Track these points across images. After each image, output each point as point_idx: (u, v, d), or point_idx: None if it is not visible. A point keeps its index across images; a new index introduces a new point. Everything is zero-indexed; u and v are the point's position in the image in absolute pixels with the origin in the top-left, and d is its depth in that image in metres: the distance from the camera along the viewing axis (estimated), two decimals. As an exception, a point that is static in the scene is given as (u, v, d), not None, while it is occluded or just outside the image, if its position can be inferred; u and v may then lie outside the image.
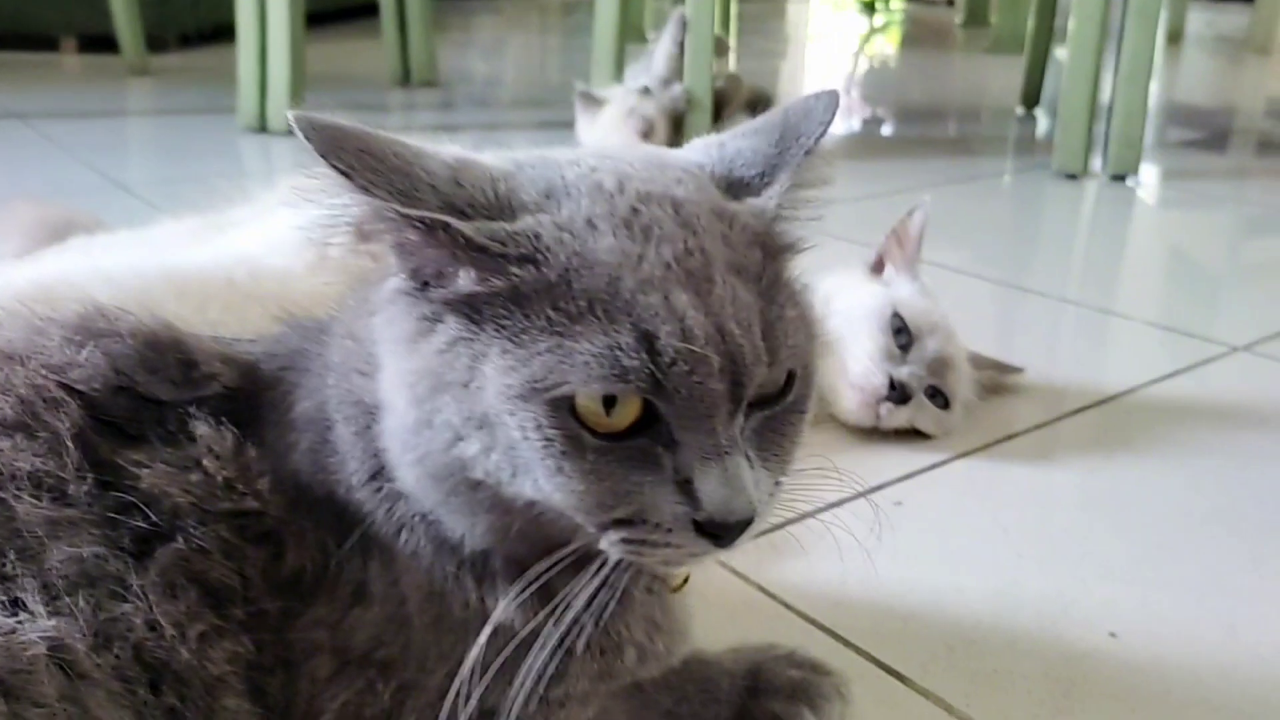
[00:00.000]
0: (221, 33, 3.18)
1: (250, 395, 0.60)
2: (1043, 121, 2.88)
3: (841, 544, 0.88)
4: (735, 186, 0.55)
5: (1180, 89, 3.82)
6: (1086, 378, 1.24)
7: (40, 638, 0.48)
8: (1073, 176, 2.18)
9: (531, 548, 0.54)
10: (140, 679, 0.50)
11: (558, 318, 0.48)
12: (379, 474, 0.56)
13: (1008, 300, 1.56)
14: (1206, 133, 3.00)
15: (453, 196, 0.49)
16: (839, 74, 4.05)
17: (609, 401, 0.48)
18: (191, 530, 0.53)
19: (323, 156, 0.48)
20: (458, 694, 0.56)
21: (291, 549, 0.56)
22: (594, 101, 2.20)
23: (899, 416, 1.04)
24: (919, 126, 3.02)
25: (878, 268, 1.15)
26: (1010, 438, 1.09)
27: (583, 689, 0.59)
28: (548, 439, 0.48)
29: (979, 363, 1.14)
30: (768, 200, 0.54)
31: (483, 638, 0.54)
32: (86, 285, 1.04)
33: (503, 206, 0.50)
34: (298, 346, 0.63)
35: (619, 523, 0.50)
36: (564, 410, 0.48)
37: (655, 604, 0.61)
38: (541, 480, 0.49)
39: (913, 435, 1.07)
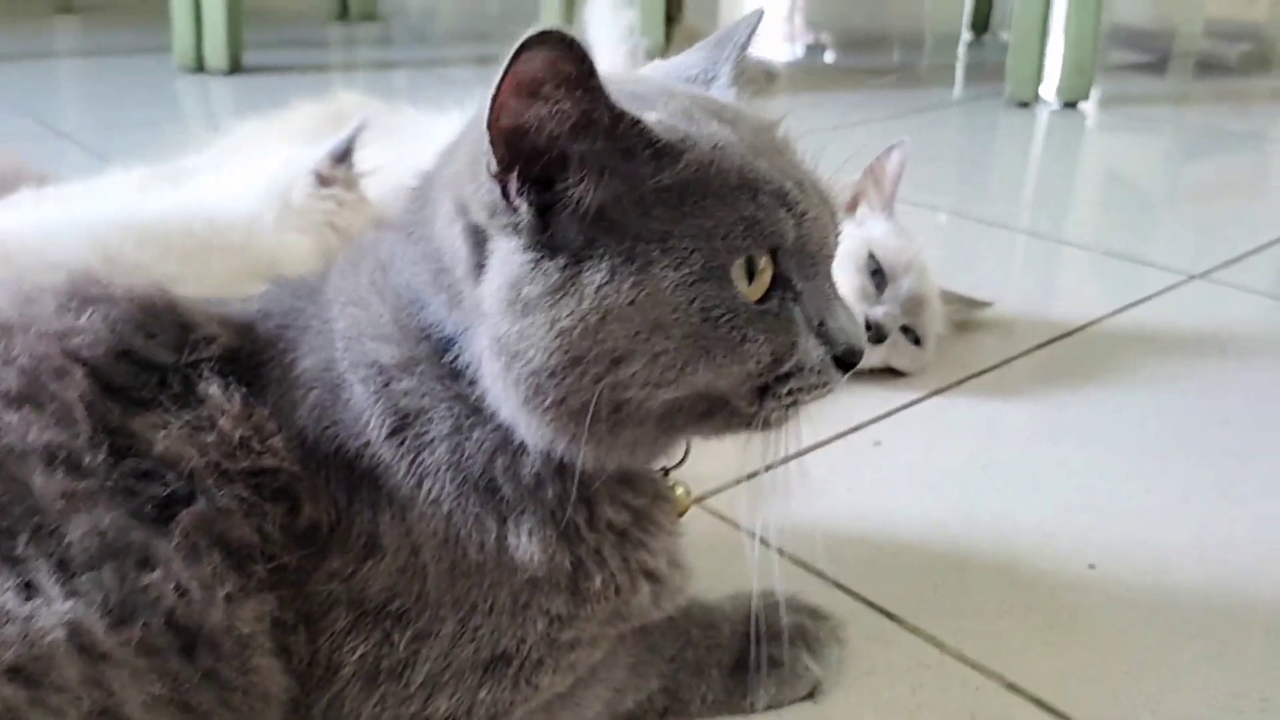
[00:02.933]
0: (148, -35, 3.06)
1: (250, 355, 0.60)
2: (992, 48, 2.88)
3: (826, 486, 0.91)
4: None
5: (1122, 10, 3.84)
6: (1050, 310, 1.27)
7: (57, 622, 0.48)
8: (1025, 104, 2.19)
9: (647, 456, 0.60)
10: (173, 645, 0.50)
11: (705, 198, 0.51)
12: (403, 428, 0.56)
13: (967, 233, 1.57)
14: (1148, 55, 3.03)
15: None
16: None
17: (750, 270, 0.52)
18: (211, 491, 0.53)
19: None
20: (471, 639, 0.57)
21: (307, 503, 0.56)
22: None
23: (875, 356, 1.06)
24: (865, 55, 3.00)
25: (850, 207, 1.15)
26: (982, 373, 1.11)
27: (592, 632, 0.60)
28: (729, 310, 0.51)
29: (947, 299, 1.16)
30: (727, 91, 0.61)
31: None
32: (41, 240, 1.01)
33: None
34: (292, 305, 0.62)
35: (781, 378, 0.54)
36: (727, 282, 0.51)
37: (674, 536, 0.63)
38: (721, 357, 0.52)
39: (887, 373, 1.09)
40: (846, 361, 0.56)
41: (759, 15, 0.64)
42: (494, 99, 0.49)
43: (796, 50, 3.13)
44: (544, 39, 0.47)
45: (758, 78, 2.36)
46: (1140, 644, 0.73)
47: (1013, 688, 0.69)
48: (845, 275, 1.06)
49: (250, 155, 1.27)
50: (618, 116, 0.50)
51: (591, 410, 0.52)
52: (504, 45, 0.47)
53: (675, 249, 0.51)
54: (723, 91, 0.62)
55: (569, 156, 0.50)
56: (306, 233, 1.13)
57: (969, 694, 0.69)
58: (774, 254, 0.54)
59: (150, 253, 1.02)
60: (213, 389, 0.56)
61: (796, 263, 0.54)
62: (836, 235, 0.58)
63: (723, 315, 0.52)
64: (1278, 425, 1.02)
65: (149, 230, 1.03)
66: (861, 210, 1.14)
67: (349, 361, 0.58)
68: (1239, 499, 0.90)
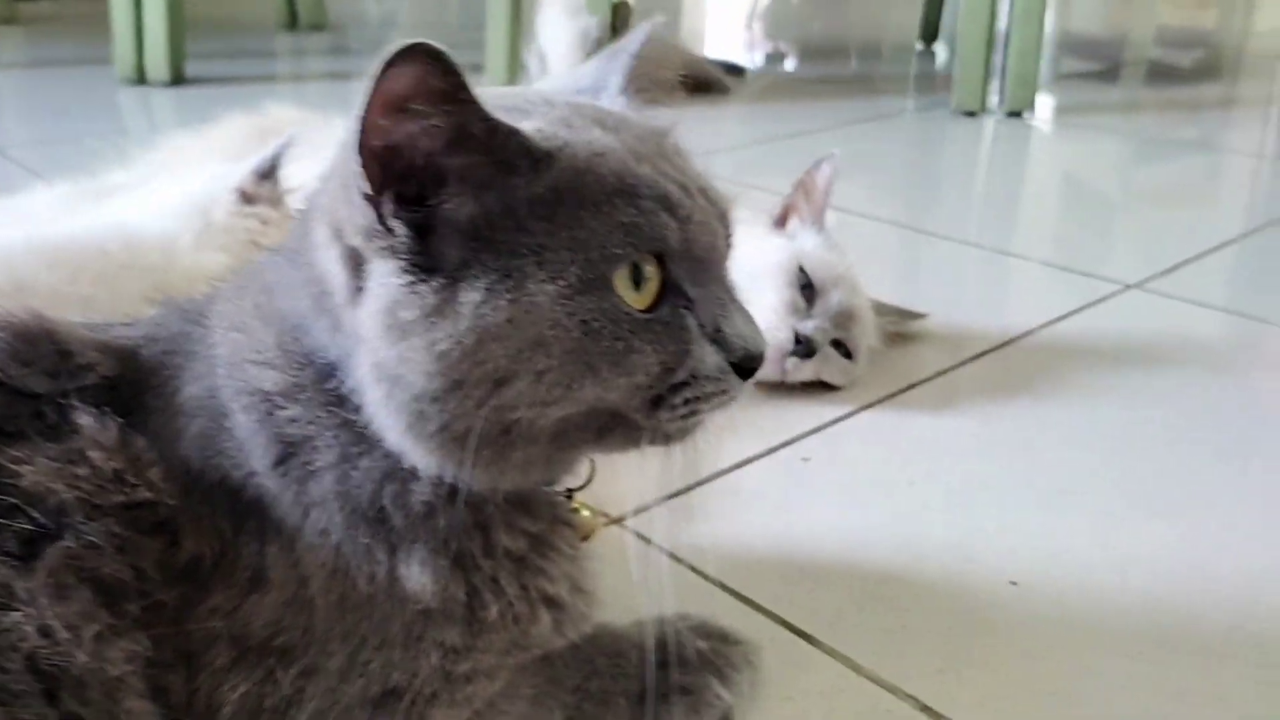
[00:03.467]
0: (94, -24, 3.01)
1: (132, 383, 0.58)
2: (941, 57, 2.90)
3: (751, 504, 0.90)
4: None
5: (1075, 18, 3.88)
6: (986, 321, 1.26)
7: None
8: (971, 114, 2.20)
9: (543, 476, 0.58)
10: (34, 690, 0.48)
11: (580, 206, 0.50)
12: (288, 458, 0.54)
13: (910, 243, 1.57)
14: (1101, 63, 3.06)
15: None
16: (741, 7, 4.02)
17: (637, 279, 0.51)
18: (80, 527, 0.51)
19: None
20: (360, 675, 0.55)
21: (188, 537, 0.54)
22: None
23: (805, 370, 1.05)
24: (821, 64, 3.01)
25: (781, 220, 1.14)
26: (913, 386, 1.10)
27: (490, 664, 0.59)
28: (612, 321, 0.50)
29: (882, 310, 1.15)
30: (617, 100, 0.60)
31: None
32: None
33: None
34: (179, 329, 0.61)
35: (675, 388, 0.53)
36: (611, 293, 0.50)
37: (576, 561, 0.62)
38: (607, 370, 0.50)
39: (819, 386, 1.08)
40: (746, 367, 0.55)
41: (654, 25, 0.63)
42: (362, 120, 0.47)
43: (756, 59, 3.13)
44: (409, 54, 0.46)
45: (722, 79, 2.38)
46: (1061, 664, 0.72)
47: (927, 710, 0.68)
48: (775, 289, 1.05)
49: (175, 171, 1.25)
50: (492, 127, 0.49)
51: (478, 434, 0.51)
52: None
53: (551, 262, 0.50)
54: (611, 100, 0.61)
55: (444, 172, 0.49)
56: (229, 251, 1.10)
57: (881, 718, 0.68)
58: (661, 261, 0.52)
59: (62, 275, 1.00)
60: (86, 420, 0.54)
61: (686, 269, 0.53)
62: (728, 239, 0.57)
63: (604, 326, 0.50)
64: (1204, 439, 1.01)
65: (61, 252, 1.01)
66: (792, 223, 1.13)
67: (231, 389, 0.56)
68: (1164, 515, 0.89)
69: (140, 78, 2.33)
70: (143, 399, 0.57)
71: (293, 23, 3.04)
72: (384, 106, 0.47)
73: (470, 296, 0.49)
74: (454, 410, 0.50)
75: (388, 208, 0.49)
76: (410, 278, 0.50)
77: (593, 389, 0.51)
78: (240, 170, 1.15)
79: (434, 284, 0.49)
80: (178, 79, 2.34)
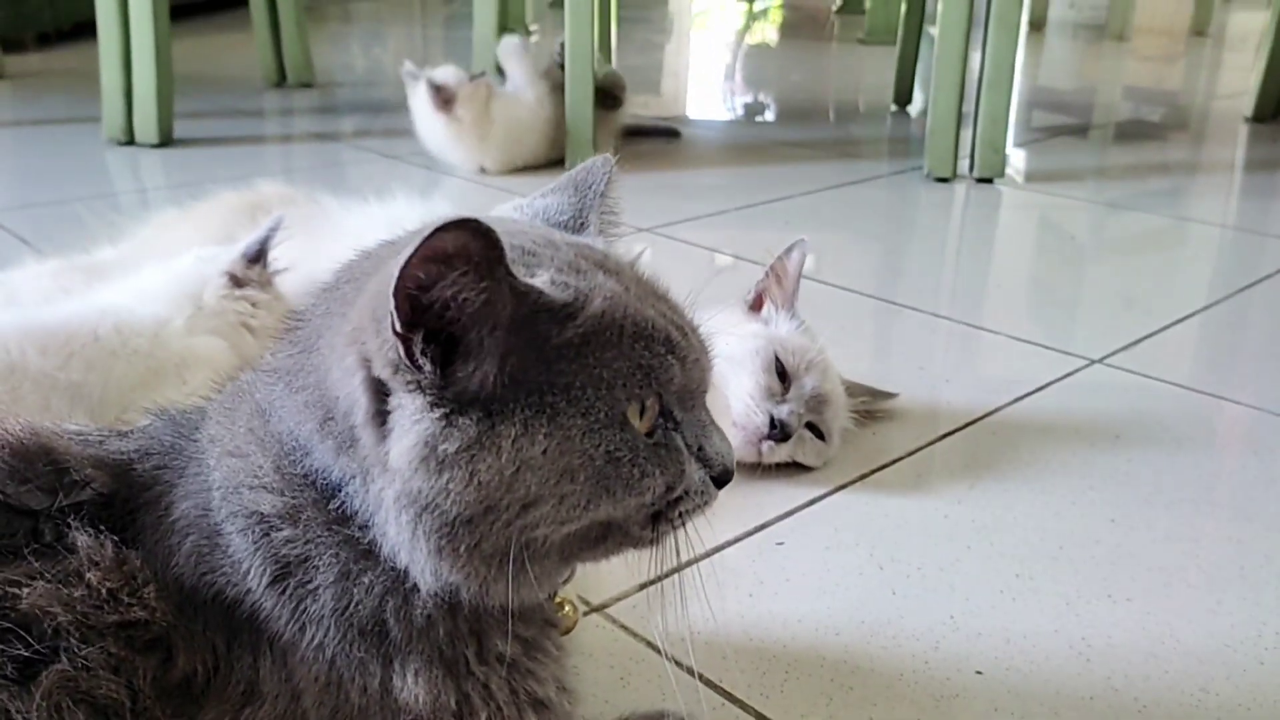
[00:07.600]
0: (83, 30, 3.05)
1: (126, 499, 0.59)
2: (915, 119, 2.96)
3: (727, 589, 0.92)
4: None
5: (1045, 75, 3.97)
6: (955, 397, 1.30)
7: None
8: (944, 180, 2.26)
9: (550, 587, 0.62)
10: None
11: (603, 349, 0.55)
12: (284, 577, 0.56)
13: (881, 315, 1.61)
14: (1070, 117, 3.13)
15: None
16: (720, 63, 4.09)
17: (640, 408, 0.56)
18: (76, 648, 0.53)
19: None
20: None
21: (182, 653, 0.56)
22: (413, 78, 2.26)
23: (780, 453, 1.08)
24: (797, 126, 3.06)
25: (756, 305, 1.18)
26: (883, 467, 1.14)
27: None
28: (630, 449, 0.55)
29: (854, 390, 1.19)
30: (600, 238, 0.65)
31: None
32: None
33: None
34: (171, 443, 0.62)
35: (672, 504, 0.58)
36: (627, 424, 0.55)
37: (561, 660, 0.64)
38: (622, 492, 0.55)
39: (794, 466, 1.11)
40: (723, 480, 0.61)
41: (609, 161, 0.68)
42: (404, 265, 0.49)
43: (736, 109, 3.19)
44: (462, 225, 0.49)
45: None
46: (1020, 754, 0.75)
47: (894, 804, 0.71)
48: (752, 374, 1.09)
49: (164, 250, 1.28)
50: (521, 294, 0.52)
51: (502, 554, 0.54)
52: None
53: (579, 399, 0.54)
54: (593, 239, 0.64)
55: (471, 329, 0.52)
56: (221, 334, 1.13)
57: (851, 812, 0.70)
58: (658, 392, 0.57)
59: (53, 360, 1.02)
60: (83, 538, 0.56)
61: (678, 398, 0.58)
62: (710, 372, 0.62)
63: (624, 455, 0.55)
64: (1161, 521, 1.05)
65: (52, 336, 1.03)
66: (767, 308, 1.17)
67: (226, 511, 0.58)
68: (1121, 599, 0.93)
69: (129, 138, 2.37)
70: (137, 515, 0.59)
71: (280, 79, 3.08)
72: (424, 259, 0.49)
73: (509, 430, 0.53)
74: (483, 532, 0.54)
75: (417, 345, 0.52)
76: (443, 411, 0.52)
77: (606, 508, 0.55)
78: (229, 253, 1.18)
79: (471, 418, 0.52)
80: (166, 140, 2.37)
